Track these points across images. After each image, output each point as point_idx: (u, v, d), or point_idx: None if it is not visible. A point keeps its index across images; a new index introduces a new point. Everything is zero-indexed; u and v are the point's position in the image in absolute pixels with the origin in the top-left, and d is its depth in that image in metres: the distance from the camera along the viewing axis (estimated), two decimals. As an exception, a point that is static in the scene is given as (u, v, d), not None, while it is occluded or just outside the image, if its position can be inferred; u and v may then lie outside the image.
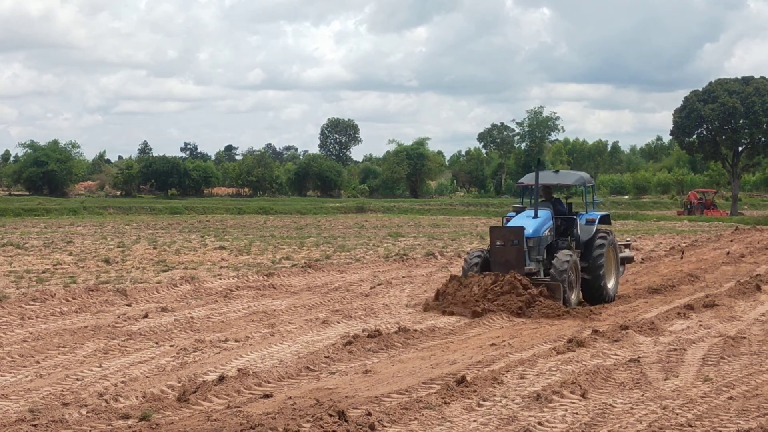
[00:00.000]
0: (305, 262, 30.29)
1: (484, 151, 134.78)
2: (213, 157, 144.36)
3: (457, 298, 20.33)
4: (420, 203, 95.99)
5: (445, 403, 11.77)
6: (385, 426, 10.71)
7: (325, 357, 14.77)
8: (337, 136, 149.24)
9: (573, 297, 20.83)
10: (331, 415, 10.72)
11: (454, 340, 16.74)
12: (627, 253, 24.76)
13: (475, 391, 12.29)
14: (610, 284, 22.57)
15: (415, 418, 11.09)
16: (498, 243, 21.13)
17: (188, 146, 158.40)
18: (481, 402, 11.88)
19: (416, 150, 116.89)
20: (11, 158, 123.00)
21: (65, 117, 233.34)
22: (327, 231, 53.61)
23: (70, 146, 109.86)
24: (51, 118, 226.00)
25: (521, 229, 20.96)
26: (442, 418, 11.21)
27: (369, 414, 11.01)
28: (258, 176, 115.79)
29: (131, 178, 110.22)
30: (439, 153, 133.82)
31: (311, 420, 10.66)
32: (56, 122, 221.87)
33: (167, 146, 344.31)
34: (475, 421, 11.13)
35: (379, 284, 24.84)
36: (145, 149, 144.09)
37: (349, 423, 10.55)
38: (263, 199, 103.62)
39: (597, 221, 22.78)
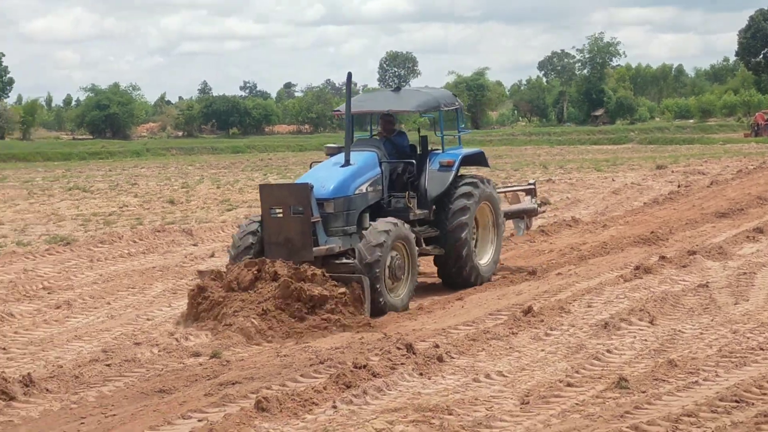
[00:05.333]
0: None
1: (544, 79, 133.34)
2: (274, 96, 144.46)
3: (210, 309, 12.91)
4: (481, 134, 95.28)
5: (513, 333, 11.76)
6: (453, 357, 10.73)
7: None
8: (395, 69, 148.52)
9: (401, 294, 14.05)
10: (398, 348, 10.76)
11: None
12: (527, 203, 18.42)
13: (542, 320, 12.26)
14: (484, 259, 15.90)
15: (483, 349, 11.10)
16: (274, 211, 13.76)
17: (247, 85, 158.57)
18: (548, 331, 11.85)
19: (476, 81, 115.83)
20: (73, 102, 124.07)
21: (127, 60, 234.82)
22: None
23: (130, 89, 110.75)
24: (113, 61, 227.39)
25: (306, 188, 13.62)
26: (510, 348, 11.21)
27: (437, 346, 11.04)
28: (318, 113, 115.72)
29: (192, 119, 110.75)
30: (499, 83, 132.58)
31: (379, 353, 10.71)
32: (118, 65, 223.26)
33: (226, 86, 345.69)
34: (542, 350, 11.12)
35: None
36: (204, 89, 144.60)
37: (417, 355, 10.59)
38: (324, 136, 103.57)
39: (457, 164, 15.52)
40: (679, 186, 31.03)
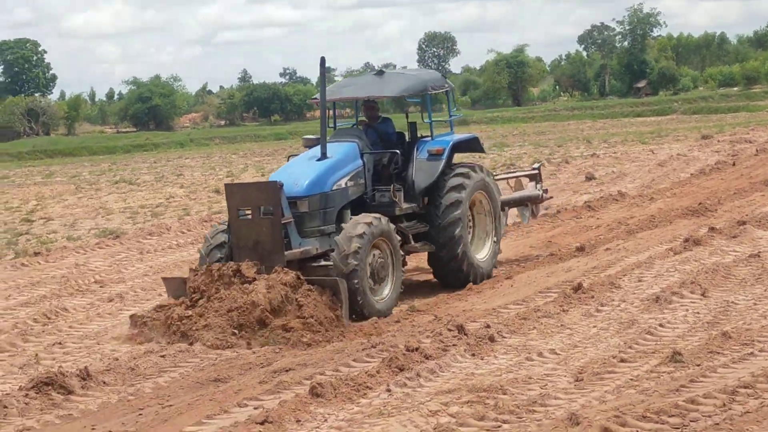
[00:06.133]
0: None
1: (585, 53, 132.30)
2: (313, 81, 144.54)
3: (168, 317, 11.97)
4: (523, 111, 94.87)
5: (563, 310, 11.74)
6: (504, 337, 10.73)
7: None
8: (434, 49, 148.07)
9: (384, 297, 12.82)
10: (450, 330, 10.79)
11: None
12: (531, 189, 17.19)
13: (592, 297, 12.22)
14: (482, 253, 14.61)
15: (534, 327, 11.10)
16: (242, 212, 12.72)
17: (287, 71, 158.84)
18: (599, 307, 11.82)
19: (516, 58, 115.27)
20: (116, 96, 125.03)
21: (167, 51, 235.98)
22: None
23: (172, 80, 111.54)
24: (153, 53, 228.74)
25: (275, 186, 12.47)
26: (562, 325, 11.19)
27: (488, 326, 11.05)
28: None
29: (234, 107, 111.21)
30: (539, 59, 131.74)
31: (431, 335, 10.74)
32: (158, 57, 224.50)
33: (266, 73, 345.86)
34: (594, 326, 11.09)
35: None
36: (245, 77, 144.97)
37: (469, 336, 10.60)
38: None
39: (447, 152, 14.23)
40: (734, 159, 30.64)
